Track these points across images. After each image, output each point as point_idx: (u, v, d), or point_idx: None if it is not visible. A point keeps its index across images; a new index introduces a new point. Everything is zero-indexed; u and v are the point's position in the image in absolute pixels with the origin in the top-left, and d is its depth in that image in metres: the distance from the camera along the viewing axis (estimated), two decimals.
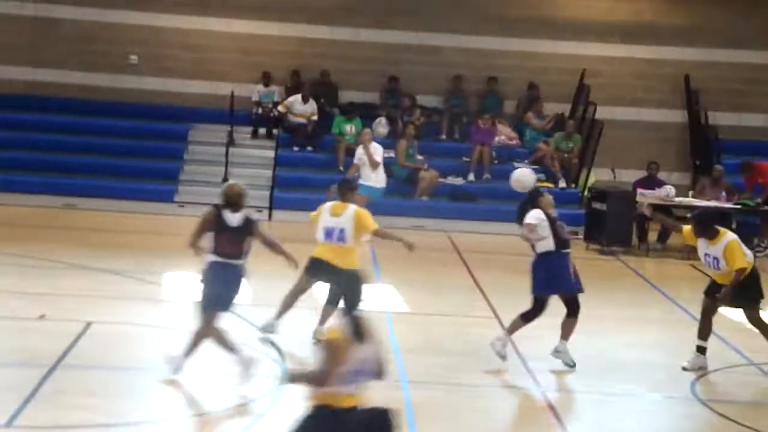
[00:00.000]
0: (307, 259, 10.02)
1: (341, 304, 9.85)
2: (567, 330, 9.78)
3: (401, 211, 17.70)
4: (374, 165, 16.38)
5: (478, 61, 20.26)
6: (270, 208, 18.13)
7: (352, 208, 9.92)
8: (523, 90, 20.18)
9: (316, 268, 10.07)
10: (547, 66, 20.37)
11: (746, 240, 16.82)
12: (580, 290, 9.88)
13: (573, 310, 9.82)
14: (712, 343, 11.07)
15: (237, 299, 8.87)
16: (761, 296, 9.95)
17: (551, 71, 20.34)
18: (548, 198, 9.93)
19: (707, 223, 9.84)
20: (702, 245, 9.85)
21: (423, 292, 12.80)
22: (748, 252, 9.88)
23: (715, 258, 9.74)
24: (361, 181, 16.26)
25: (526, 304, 12.30)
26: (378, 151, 16.53)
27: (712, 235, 9.76)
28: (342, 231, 9.82)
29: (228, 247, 8.73)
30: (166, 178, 18.41)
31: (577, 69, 20.12)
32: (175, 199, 18.11)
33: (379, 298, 12.41)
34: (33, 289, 11.62)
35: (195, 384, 8.86)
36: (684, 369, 9.89)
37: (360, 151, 16.49)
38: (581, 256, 16.39)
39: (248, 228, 8.83)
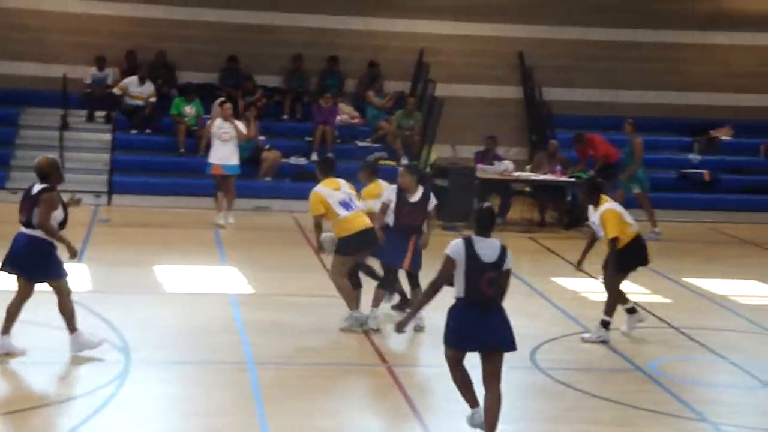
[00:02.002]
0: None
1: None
2: (378, 299, 10.34)
3: (245, 192, 17.55)
4: (246, 137, 16.19)
5: (317, 40, 20.24)
6: (109, 193, 17.69)
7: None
8: (364, 69, 20.29)
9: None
10: (387, 44, 20.53)
11: (581, 211, 17.55)
12: (413, 267, 10.25)
13: (413, 283, 10.30)
14: (550, 312, 11.48)
15: (42, 268, 8.82)
16: (633, 266, 10.28)
17: (391, 50, 20.51)
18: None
19: (590, 191, 10.31)
20: (591, 213, 10.32)
21: (269, 273, 12.76)
22: (631, 221, 10.21)
23: (594, 223, 10.24)
24: (223, 161, 15.92)
25: (371, 281, 12.45)
26: (242, 126, 16.37)
27: (594, 202, 10.19)
28: (351, 199, 10.32)
29: (21, 215, 8.89)
30: None
31: (416, 47, 20.36)
32: (6, 185, 17.47)
33: (224, 281, 12.33)
34: None
35: (38, 373, 8.61)
36: (583, 340, 10.26)
37: (222, 125, 16.09)
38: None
39: (36, 198, 8.75)
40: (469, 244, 7.31)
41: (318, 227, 10.26)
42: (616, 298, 10.28)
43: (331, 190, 10.32)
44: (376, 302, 10.33)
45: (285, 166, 18.43)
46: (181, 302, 11.25)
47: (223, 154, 15.98)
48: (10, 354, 8.91)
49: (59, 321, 9.95)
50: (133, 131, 18.80)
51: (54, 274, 8.89)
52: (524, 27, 20.83)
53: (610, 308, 10.24)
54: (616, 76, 20.95)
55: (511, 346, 7.42)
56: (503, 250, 7.39)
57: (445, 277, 7.37)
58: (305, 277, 12.67)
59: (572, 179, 17.23)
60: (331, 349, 9.76)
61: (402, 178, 10.42)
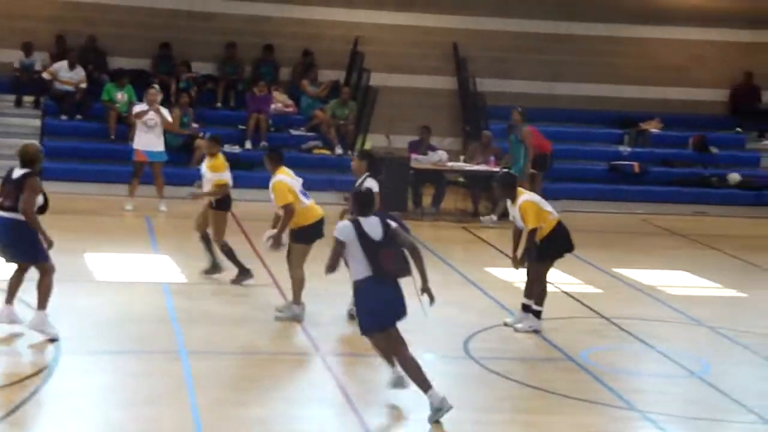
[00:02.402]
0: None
1: None
2: None
3: (177, 179, 17.35)
4: (169, 126, 16.07)
5: (252, 28, 20.10)
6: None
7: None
8: (298, 57, 20.20)
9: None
10: (322, 33, 20.47)
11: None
12: None
13: None
14: (483, 302, 11.56)
15: (29, 251, 9.01)
16: (558, 254, 10.37)
17: (325, 38, 20.46)
18: None
19: (504, 186, 10.37)
20: (509, 207, 10.39)
21: (201, 262, 12.64)
22: (550, 209, 10.30)
23: (514, 217, 10.31)
24: (147, 148, 15.79)
25: (306, 271, 12.38)
26: (167, 112, 16.21)
27: (511, 196, 10.26)
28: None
29: (4, 199, 9.00)
30: None
31: (351, 36, 20.32)
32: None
33: (156, 269, 12.20)
34: None
35: None
36: (506, 324, 10.39)
37: (145, 111, 15.87)
38: None
39: (20, 182, 8.93)
40: (357, 226, 7.73)
41: (290, 216, 10.07)
42: (544, 286, 10.37)
43: (293, 180, 10.31)
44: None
45: None
46: (113, 290, 11.11)
47: (148, 140, 15.82)
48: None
49: None
50: (63, 117, 18.49)
51: (41, 256, 9.02)
52: (459, 18, 20.91)
53: (540, 297, 10.34)
54: (550, 67, 21.14)
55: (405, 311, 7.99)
56: (385, 224, 7.82)
57: (337, 260, 7.77)
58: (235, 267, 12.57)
59: (505, 169, 17.33)
60: (263, 339, 9.72)
61: (353, 162, 10.61)
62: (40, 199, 9.05)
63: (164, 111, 16.18)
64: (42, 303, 9.10)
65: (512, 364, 9.42)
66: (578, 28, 21.39)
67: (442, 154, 17.54)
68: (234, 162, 18.19)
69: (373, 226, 7.77)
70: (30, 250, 9.00)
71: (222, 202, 11.63)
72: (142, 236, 14.18)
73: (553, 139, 18.43)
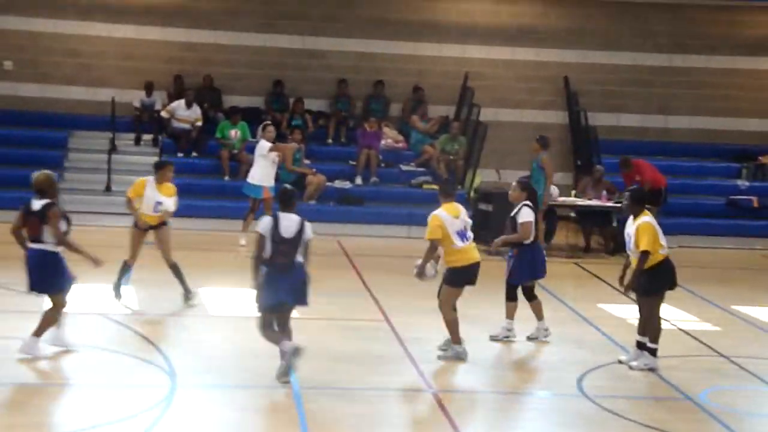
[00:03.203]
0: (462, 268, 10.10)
1: None
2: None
3: None
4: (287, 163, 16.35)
5: (363, 65, 20.32)
6: None
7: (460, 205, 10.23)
8: (409, 93, 20.32)
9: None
10: (432, 69, 20.56)
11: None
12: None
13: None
14: (597, 339, 11.34)
15: (47, 281, 9.38)
16: (663, 289, 10.10)
17: (436, 74, 20.54)
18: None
19: (636, 200, 10.18)
20: (628, 224, 10.18)
21: (314, 297, 12.71)
22: (664, 243, 10.05)
23: (629, 235, 10.05)
24: (270, 183, 15.93)
25: (414, 304, 12.41)
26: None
27: (636, 213, 10.09)
28: (466, 228, 10.12)
29: (29, 230, 9.36)
30: None
31: (461, 72, 20.36)
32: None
33: None
34: None
35: (81, 397, 8.65)
36: (621, 362, 10.22)
37: (267, 147, 16.02)
38: None
39: (43, 213, 9.25)
40: (275, 221, 8.99)
41: (432, 251, 10.05)
42: (658, 323, 10.11)
43: (452, 218, 10.06)
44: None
45: (329, 189, 18.47)
46: (228, 325, 11.26)
47: (271, 177, 15.97)
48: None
49: (106, 344, 10.04)
50: (180, 154, 18.94)
51: (56, 288, 9.38)
52: (570, 51, 20.78)
53: (654, 334, 10.08)
54: (664, 101, 20.81)
55: (303, 301, 9.23)
56: (302, 224, 9.03)
57: (260, 253, 9.00)
58: (350, 302, 12.65)
59: (618, 204, 17.08)
60: (375, 374, 9.70)
61: (511, 192, 11.03)
62: (63, 225, 9.35)
63: (280, 147, 16.40)
64: (39, 331, 9.45)
65: (627, 403, 9.20)
66: (693, 60, 21.03)
67: (553, 189, 17.37)
68: (344, 197, 18.45)
69: (289, 221, 8.97)
70: (55, 281, 9.37)
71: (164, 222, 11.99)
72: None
73: (667, 174, 18.12)
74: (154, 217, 11.98)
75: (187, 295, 11.99)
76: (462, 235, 10.03)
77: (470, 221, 10.27)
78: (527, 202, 10.86)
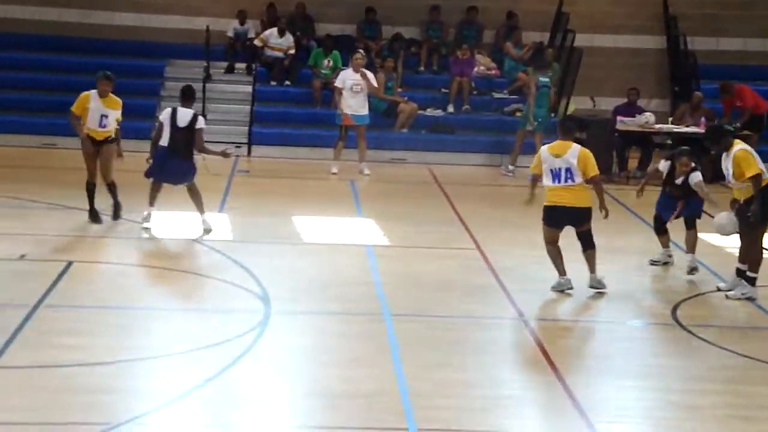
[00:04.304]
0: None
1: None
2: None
3: (381, 143, 17.60)
4: (375, 90, 16.26)
5: None
6: (249, 144, 17.99)
7: (576, 147, 9.79)
8: (502, 19, 19.99)
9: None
10: None
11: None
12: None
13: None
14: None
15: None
16: (766, 217, 9.77)
17: (530, 0, 20.15)
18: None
19: (717, 137, 10.00)
20: (723, 159, 9.92)
21: (404, 225, 12.79)
22: (764, 168, 9.76)
23: (726, 168, 9.83)
24: (355, 111, 16.08)
25: (506, 235, 12.37)
26: (373, 77, 16.43)
27: (725, 147, 9.86)
28: (569, 170, 9.68)
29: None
30: (144, 116, 18.16)
31: None
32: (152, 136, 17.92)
33: (360, 232, 12.42)
34: (12, 229, 11.54)
35: (179, 321, 8.87)
36: (719, 290, 10.17)
37: (353, 76, 16.20)
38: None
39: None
40: (173, 112, 11.54)
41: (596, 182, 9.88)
42: (760, 251, 9.88)
43: (551, 156, 9.82)
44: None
45: (421, 117, 18.38)
46: (319, 253, 11.38)
47: (355, 104, 16.07)
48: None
49: (203, 269, 10.26)
50: (273, 83, 19.03)
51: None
52: None
53: (754, 263, 9.86)
54: (766, 24, 20.09)
55: (184, 180, 11.69)
56: (194, 117, 11.50)
57: (158, 137, 11.57)
58: (440, 230, 12.65)
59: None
60: (466, 303, 9.72)
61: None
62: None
63: (370, 75, 16.39)
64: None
65: (724, 332, 9.08)
66: None
67: (649, 116, 17.01)
68: (436, 126, 18.36)
69: (185, 114, 11.47)
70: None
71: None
72: (346, 200, 14.45)
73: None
74: (100, 132, 11.76)
75: (116, 212, 11.93)
76: (555, 175, 9.75)
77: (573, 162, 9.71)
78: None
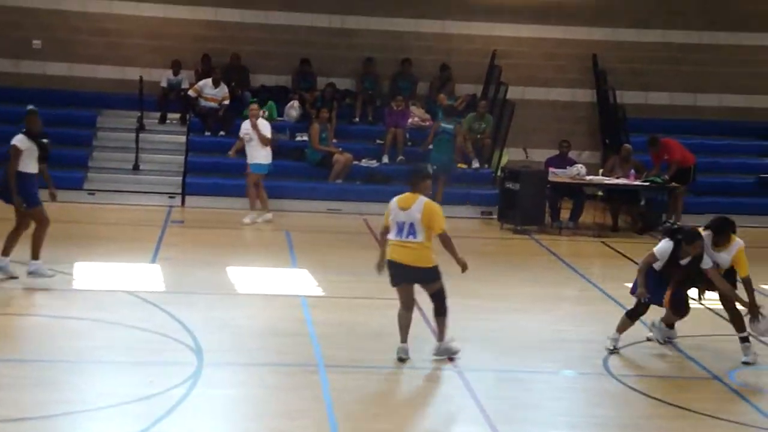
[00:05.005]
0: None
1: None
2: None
3: (316, 194, 17.65)
4: (265, 142, 16.29)
5: (390, 43, 20.25)
6: (183, 194, 17.89)
7: (422, 200, 9.00)
8: (436, 71, 20.24)
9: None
10: (459, 47, 20.47)
11: (655, 217, 17.29)
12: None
13: None
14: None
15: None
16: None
17: (463, 52, 20.45)
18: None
19: (724, 227, 9.79)
20: (713, 254, 9.76)
21: (340, 276, 12.77)
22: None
23: (720, 257, 9.73)
24: (248, 160, 16.23)
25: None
26: (267, 128, 16.43)
27: (728, 239, 9.77)
28: (412, 225, 8.93)
29: None
30: (75, 165, 18.05)
31: (488, 49, 20.26)
32: (84, 186, 17.77)
33: (295, 283, 12.38)
34: None
35: (110, 374, 8.72)
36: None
37: (246, 126, 16.32)
38: (495, 236, 16.59)
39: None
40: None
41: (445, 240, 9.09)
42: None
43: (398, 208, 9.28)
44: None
45: (356, 168, 18.46)
46: (253, 304, 11.31)
47: (248, 153, 16.29)
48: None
49: (134, 321, 10.12)
50: (207, 133, 18.99)
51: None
52: (598, 29, 20.62)
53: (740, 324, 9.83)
54: (693, 79, 20.62)
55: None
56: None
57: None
58: (376, 280, 12.59)
59: (646, 183, 16.99)
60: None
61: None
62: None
63: (261, 125, 16.35)
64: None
65: (654, 382, 9.18)
66: (722, 37, 20.81)
67: (580, 168, 17.28)
68: (371, 176, 18.44)
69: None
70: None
71: None
72: (281, 250, 14.40)
73: (697, 152, 17.99)
74: None
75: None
76: (399, 228, 9.01)
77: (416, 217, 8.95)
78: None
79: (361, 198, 17.91)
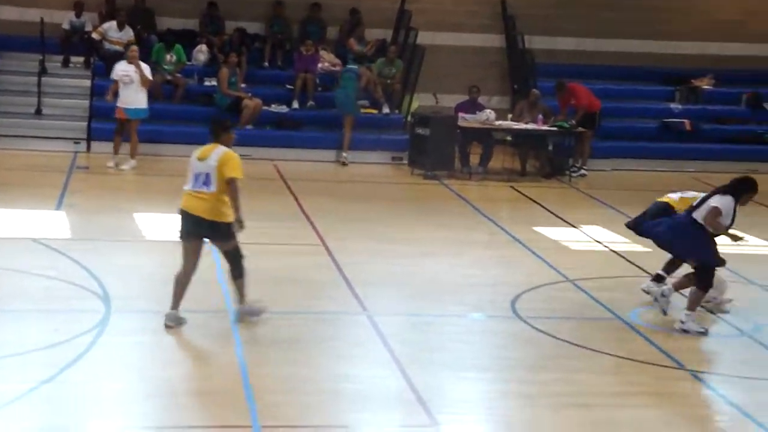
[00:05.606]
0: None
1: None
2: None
3: None
4: (148, 84, 16.02)
5: None
6: (88, 140, 17.53)
7: (221, 150, 8.57)
8: (345, 16, 20.09)
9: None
10: None
11: (562, 161, 17.54)
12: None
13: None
14: (531, 261, 11.50)
15: None
16: None
17: None
18: None
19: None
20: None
21: (249, 221, 12.65)
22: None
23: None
24: (125, 104, 15.88)
25: (350, 229, 12.45)
26: (148, 70, 16.18)
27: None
28: (207, 176, 8.52)
29: None
30: None
31: None
32: None
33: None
34: None
35: (16, 322, 8.58)
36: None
37: (125, 67, 15.98)
38: (406, 181, 16.66)
39: None
40: None
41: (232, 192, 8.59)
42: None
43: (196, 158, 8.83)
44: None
45: (266, 113, 18.30)
46: (161, 250, 11.16)
47: (125, 97, 15.88)
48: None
49: (41, 269, 9.94)
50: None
51: None
52: None
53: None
54: (600, 24, 20.84)
55: None
56: None
57: None
58: (285, 226, 12.64)
59: (553, 128, 17.20)
60: (309, 298, 9.75)
61: None
62: None
63: (144, 67, 16.09)
64: None
65: (561, 323, 9.38)
66: None
67: (489, 113, 17.40)
68: (281, 122, 18.31)
69: None
70: None
71: None
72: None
73: (602, 97, 18.22)
74: None
75: None
76: (195, 179, 8.65)
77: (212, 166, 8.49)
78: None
79: (271, 143, 17.77)
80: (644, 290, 10.21)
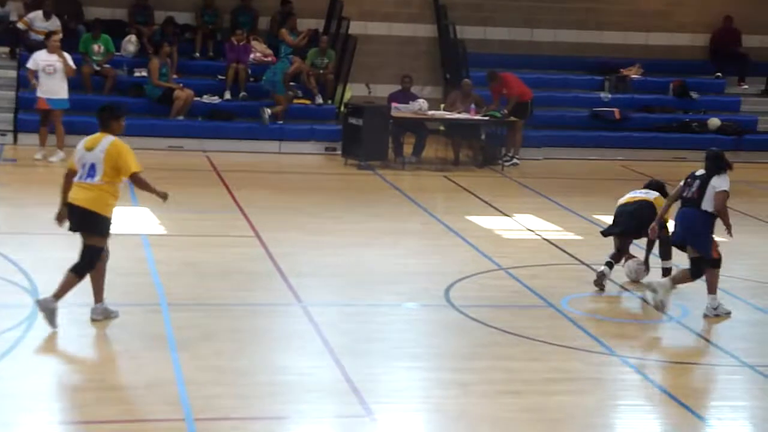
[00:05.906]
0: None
1: None
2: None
3: (156, 131, 17.26)
4: (71, 72, 15.82)
5: None
6: (15, 132, 17.22)
7: (108, 140, 8.42)
8: (277, 6, 19.97)
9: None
10: None
11: (495, 150, 17.67)
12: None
13: None
14: (464, 250, 11.57)
15: None
16: None
17: None
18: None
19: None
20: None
21: (182, 213, 12.59)
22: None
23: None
24: (48, 95, 15.63)
25: (283, 220, 12.41)
26: (70, 59, 15.96)
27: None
28: (93, 166, 8.33)
29: None
30: None
31: None
32: None
33: (135, 221, 12.14)
34: None
35: None
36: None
37: (47, 57, 15.70)
38: (339, 172, 16.64)
39: None
40: None
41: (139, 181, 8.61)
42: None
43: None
44: None
45: (198, 104, 18.14)
46: None
47: (49, 87, 15.66)
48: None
49: None
50: None
51: None
52: None
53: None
54: (530, 14, 21.00)
55: None
56: None
57: None
58: (218, 217, 12.55)
59: (486, 118, 17.31)
60: (244, 290, 9.70)
61: None
62: None
63: (67, 56, 15.88)
64: None
65: (494, 311, 9.45)
66: None
67: (422, 103, 17.44)
68: (213, 113, 18.17)
69: None
70: None
71: None
72: (121, 188, 14.05)
73: (533, 87, 18.37)
74: None
75: None
76: (82, 169, 8.43)
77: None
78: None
79: (203, 135, 17.64)
80: (644, 284, 10.22)
